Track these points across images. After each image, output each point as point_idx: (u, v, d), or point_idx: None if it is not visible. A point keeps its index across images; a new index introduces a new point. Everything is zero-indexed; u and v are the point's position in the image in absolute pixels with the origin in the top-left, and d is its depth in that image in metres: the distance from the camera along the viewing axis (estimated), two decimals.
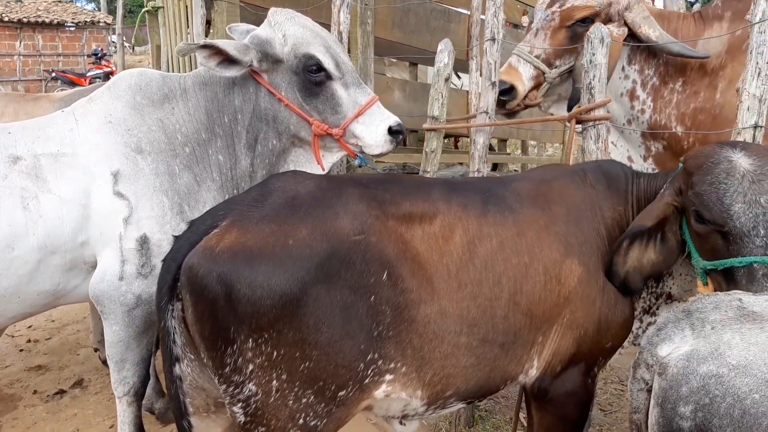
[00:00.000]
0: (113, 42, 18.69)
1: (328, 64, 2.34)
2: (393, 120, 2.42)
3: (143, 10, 4.49)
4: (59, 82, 16.13)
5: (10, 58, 16.86)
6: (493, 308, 1.68)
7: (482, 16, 5.50)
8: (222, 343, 1.39)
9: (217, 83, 2.39)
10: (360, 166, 2.56)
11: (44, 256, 2.15)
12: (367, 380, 1.48)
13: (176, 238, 1.54)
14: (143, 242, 2.23)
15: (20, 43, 17.08)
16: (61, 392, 3.33)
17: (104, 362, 3.58)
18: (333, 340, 1.40)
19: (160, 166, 2.28)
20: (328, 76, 2.35)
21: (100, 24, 18.59)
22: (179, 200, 2.31)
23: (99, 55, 16.63)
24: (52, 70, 16.08)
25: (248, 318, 1.36)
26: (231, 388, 1.43)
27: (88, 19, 18.36)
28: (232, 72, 2.23)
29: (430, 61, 6.08)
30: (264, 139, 2.44)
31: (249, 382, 1.41)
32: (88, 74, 16.03)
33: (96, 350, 3.58)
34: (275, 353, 1.37)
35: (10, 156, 2.16)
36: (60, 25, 17.67)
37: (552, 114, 2.91)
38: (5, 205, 2.08)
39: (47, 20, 17.39)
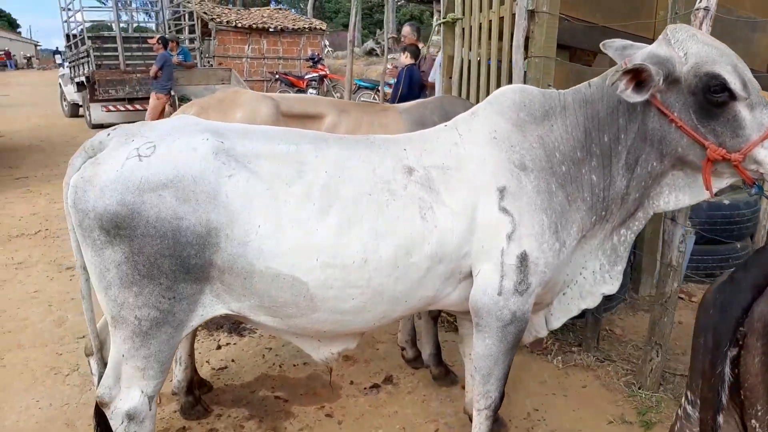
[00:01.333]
0: (326, 46, 20.11)
1: (734, 84, 2.13)
2: None
3: (438, 21, 4.63)
4: (279, 83, 17.67)
5: (240, 60, 18.74)
6: None
7: None
8: None
9: (600, 101, 2.31)
10: (755, 195, 2.34)
11: (433, 264, 2.24)
12: None
13: (730, 279, 1.47)
14: (523, 259, 2.25)
15: (248, 47, 18.93)
16: (376, 386, 3.50)
17: (407, 361, 3.73)
18: None
19: (541, 184, 2.28)
20: (732, 97, 2.14)
21: (316, 30, 20.00)
22: (555, 219, 2.29)
23: (315, 59, 17.92)
24: (276, 73, 17.62)
25: None
26: None
27: (305, 26, 19.86)
28: (641, 96, 2.11)
29: None
30: (644, 161, 2.32)
31: None
32: (306, 77, 17.35)
33: (402, 349, 3.74)
34: None
35: (405, 167, 2.28)
36: (281, 31, 19.31)
37: None
38: (407, 214, 2.19)
39: (271, 27, 19.09)
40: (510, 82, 3.82)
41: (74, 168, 2.11)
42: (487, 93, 4.11)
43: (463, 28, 4.41)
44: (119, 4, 13.57)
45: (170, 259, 2.02)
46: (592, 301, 2.62)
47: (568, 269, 2.49)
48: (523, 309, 2.33)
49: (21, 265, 5.33)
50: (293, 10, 31.67)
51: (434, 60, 8.41)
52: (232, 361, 3.77)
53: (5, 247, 5.79)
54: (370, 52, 25.85)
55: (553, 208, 2.29)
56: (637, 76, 2.10)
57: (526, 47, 3.64)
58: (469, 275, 2.37)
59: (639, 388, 3.43)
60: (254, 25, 18.81)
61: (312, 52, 19.06)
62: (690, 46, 2.18)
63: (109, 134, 2.17)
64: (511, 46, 3.71)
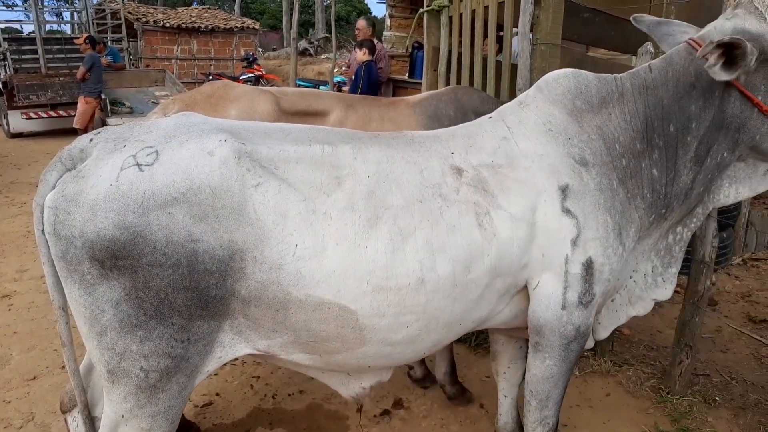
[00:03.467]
0: (257, 46, 19.44)
1: None
2: None
3: (422, 10, 4.30)
4: None
5: (169, 61, 17.82)
6: None
7: None
8: None
9: (662, 87, 2.07)
10: None
11: (491, 280, 1.93)
12: None
13: None
14: (588, 267, 1.97)
15: (177, 47, 18.05)
16: (387, 413, 3.13)
17: (415, 381, 3.39)
18: None
19: (603, 180, 2.01)
20: None
21: (248, 29, 19.30)
22: (618, 220, 2.03)
23: (250, 59, 17.25)
24: (209, 73, 16.84)
25: None
26: None
27: (237, 25, 19.13)
28: (729, 74, 1.90)
29: None
30: (715, 152, 2.10)
31: None
32: (241, 77, 16.67)
33: (410, 368, 3.39)
34: None
35: (453, 167, 1.95)
36: (212, 31, 18.51)
37: None
38: (464, 222, 1.87)
39: (201, 27, 18.26)
40: (512, 73, 3.54)
41: (48, 185, 1.65)
42: (483, 86, 3.82)
43: (450, 17, 4.10)
44: (37, 3, 12.45)
45: (185, 292, 1.61)
46: (642, 308, 2.40)
47: (620, 273, 2.24)
48: (587, 323, 2.07)
49: None
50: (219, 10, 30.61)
51: (388, 55, 8.12)
52: (217, 395, 3.30)
53: None
54: (303, 52, 25.32)
55: (615, 208, 2.03)
56: (728, 53, 1.87)
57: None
58: (522, 289, 2.07)
59: (668, 393, 3.22)
60: (183, 25, 17.93)
61: (246, 52, 18.36)
62: None
63: (91, 139, 1.71)
64: (509, 34, 3.43)
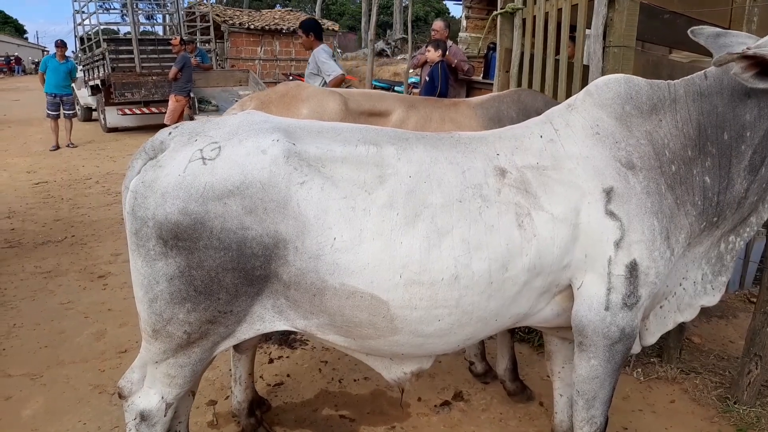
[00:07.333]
0: (336, 47, 19.90)
1: None
2: None
3: (495, 12, 4.36)
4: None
5: (252, 62, 18.54)
6: None
7: None
8: None
9: (717, 94, 2.05)
10: None
11: (530, 278, 1.98)
12: None
13: None
14: (632, 269, 1.97)
15: (261, 48, 18.75)
16: (447, 404, 3.23)
17: (476, 376, 3.47)
18: None
19: (651, 184, 2.01)
20: None
21: (328, 31, 19.77)
22: (666, 224, 2.01)
23: None
24: (289, 74, 17.40)
25: None
26: None
27: None
28: (766, 84, 1.87)
29: None
30: None
31: None
32: None
33: (471, 363, 3.48)
34: None
35: (497, 168, 2.00)
36: (294, 33, 19.08)
37: None
38: (503, 222, 1.92)
39: (284, 28, 18.88)
40: (584, 75, 3.55)
41: (134, 171, 1.89)
42: (554, 88, 3.85)
43: (524, 19, 4.14)
44: (133, 6, 13.30)
45: (233, 272, 1.81)
46: (690, 314, 2.36)
47: (669, 280, 2.23)
48: (632, 325, 2.07)
49: (50, 273, 5.08)
50: (299, 11, 31.38)
51: (459, 50, 8.20)
52: (288, 376, 3.51)
53: (32, 255, 5.55)
54: (380, 53, 25.63)
55: (663, 212, 2.02)
56: (760, 64, 1.84)
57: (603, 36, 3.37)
58: (566, 288, 2.11)
59: (735, 403, 3.15)
60: (267, 27, 18.61)
61: None
62: None
63: (170, 133, 1.94)
64: (582, 36, 3.44)
